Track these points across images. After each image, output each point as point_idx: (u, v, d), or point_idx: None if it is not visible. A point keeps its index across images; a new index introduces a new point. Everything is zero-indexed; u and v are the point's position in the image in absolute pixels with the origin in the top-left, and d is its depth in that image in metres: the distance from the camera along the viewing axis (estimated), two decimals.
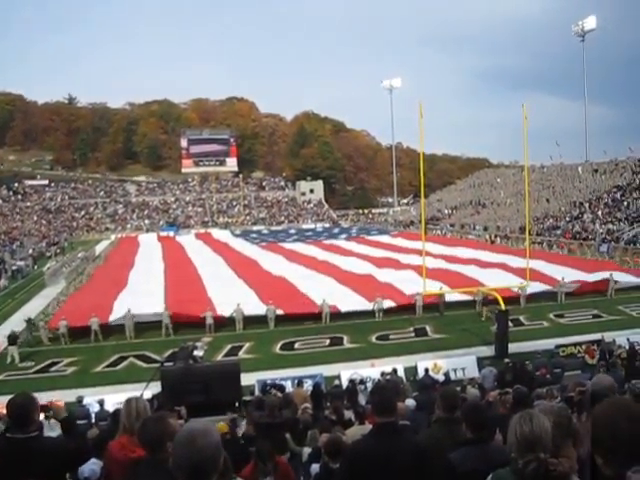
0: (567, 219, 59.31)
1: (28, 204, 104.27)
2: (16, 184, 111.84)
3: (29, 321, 26.85)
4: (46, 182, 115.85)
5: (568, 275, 34.93)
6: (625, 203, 57.10)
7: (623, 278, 35.30)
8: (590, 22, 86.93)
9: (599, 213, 57.35)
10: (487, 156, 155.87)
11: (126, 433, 4.52)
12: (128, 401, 4.72)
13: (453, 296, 31.80)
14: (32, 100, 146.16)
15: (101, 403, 18.11)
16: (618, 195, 60.06)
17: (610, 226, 52.27)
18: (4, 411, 14.87)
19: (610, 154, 73.95)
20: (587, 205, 61.04)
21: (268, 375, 22.19)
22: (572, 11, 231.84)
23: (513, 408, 7.85)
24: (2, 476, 3.91)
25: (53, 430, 14.93)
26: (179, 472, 2.80)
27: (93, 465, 4.64)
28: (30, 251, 66.34)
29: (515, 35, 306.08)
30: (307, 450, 9.07)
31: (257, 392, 19.96)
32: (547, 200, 68.34)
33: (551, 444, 3.42)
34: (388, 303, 31.37)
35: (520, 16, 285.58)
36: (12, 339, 26.28)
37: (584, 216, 58.26)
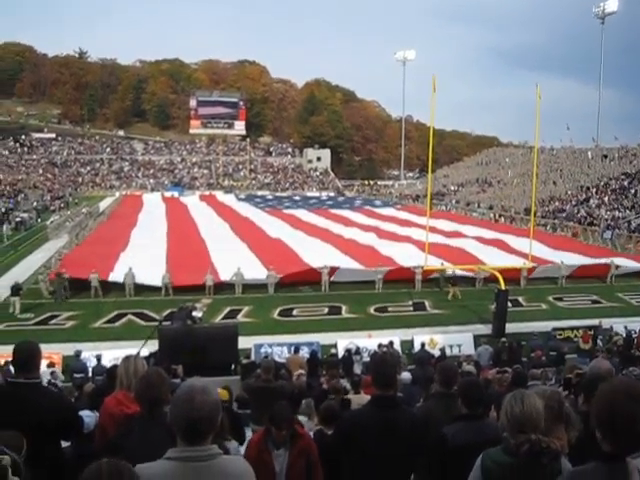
0: (573, 203, 59.05)
1: (34, 157, 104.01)
2: (23, 136, 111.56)
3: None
4: (53, 136, 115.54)
5: (568, 259, 34.90)
6: (632, 191, 56.75)
7: (624, 263, 35.21)
8: (611, 5, 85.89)
9: (605, 199, 57.06)
10: (497, 135, 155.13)
11: (123, 389, 4.56)
12: (127, 358, 4.77)
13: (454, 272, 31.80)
14: (42, 52, 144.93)
15: (98, 358, 18.28)
16: (626, 182, 59.69)
17: (616, 213, 52.05)
18: (2, 360, 14.92)
19: (621, 140, 73.50)
20: (594, 190, 60.72)
21: (265, 340, 22.32)
22: None
23: (510, 388, 7.89)
24: (1, 419, 3.95)
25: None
26: (177, 428, 2.83)
27: (87, 418, 4.66)
28: (34, 204, 66.34)
29: (534, 13, 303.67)
30: (302, 418, 9.13)
31: (253, 356, 20.11)
32: (554, 183, 67.98)
33: (542, 424, 3.45)
34: (385, 269, 31.51)
35: None
36: (15, 290, 26.43)
37: (590, 201, 58.00)
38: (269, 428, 5.19)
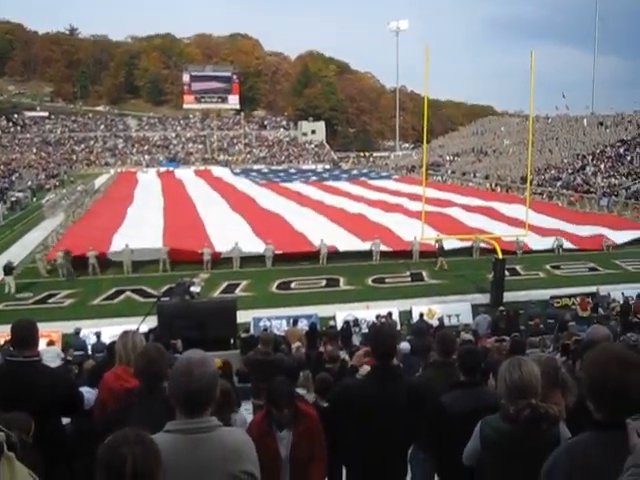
0: (569, 171, 58.95)
1: (27, 136, 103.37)
2: (16, 115, 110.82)
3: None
4: (46, 114, 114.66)
5: (563, 227, 35.02)
6: (629, 157, 56.64)
7: (617, 238, 34.77)
8: None
9: (602, 166, 56.96)
10: (492, 104, 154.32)
11: (122, 364, 4.57)
12: (124, 334, 4.76)
13: (450, 243, 31.78)
14: (32, 30, 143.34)
15: (98, 335, 18.31)
16: (622, 149, 59.55)
17: (612, 180, 52.00)
18: (1, 340, 14.96)
19: (616, 107, 73.26)
20: (590, 158, 60.59)
21: (264, 313, 22.42)
22: None
23: (509, 356, 7.92)
24: (1, 398, 3.96)
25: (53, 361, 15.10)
26: (175, 400, 2.83)
27: (87, 394, 4.68)
28: (29, 183, 66.07)
29: None
30: (301, 391, 9.17)
31: (252, 330, 20.16)
32: (550, 151, 67.82)
33: (540, 390, 3.46)
34: (385, 247, 31.51)
35: None
36: (8, 269, 26.41)
37: (586, 169, 57.90)
38: (269, 408, 4.61)
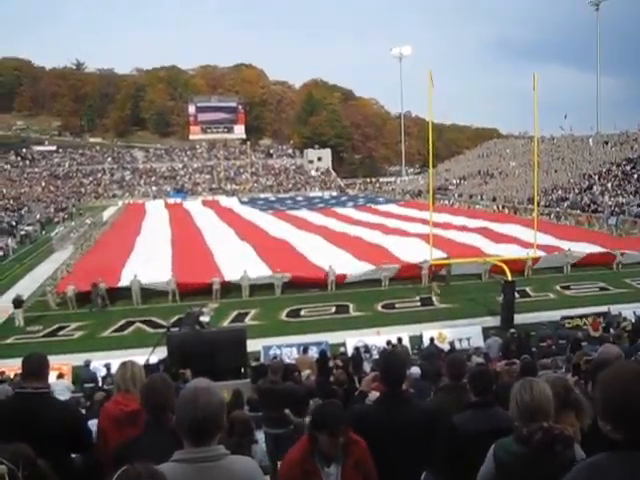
0: (576, 191, 58.91)
1: (36, 170, 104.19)
2: (24, 150, 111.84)
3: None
4: (54, 148, 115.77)
5: (573, 247, 34.86)
6: (635, 176, 56.60)
7: (630, 252, 34.79)
8: None
9: (608, 185, 56.92)
10: (496, 126, 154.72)
11: (120, 392, 4.64)
12: (123, 364, 4.82)
13: (460, 268, 31.70)
14: (40, 65, 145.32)
15: (108, 367, 18.22)
16: (628, 168, 59.52)
17: (619, 199, 51.92)
18: (12, 373, 14.92)
19: (621, 126, 73.40)
20: (596, 177, 60.57)
21: (274, 341, 22.30)
22: None
23: (519, 378, 7.85)
24: (8, 430, 3.94)
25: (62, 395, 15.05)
26: (181, 429, 2.81)
27: (94, 427, 4.68)
28: (38, 216, 66.46)
29: (528, 4, 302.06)
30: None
31: (263, 358, 20.07)
32: (556, 171, 67.85)
33: (552, 411, 3.41)
34: (394, 269, 31.45)
35: None
36: (17, 303, 26.52)
37: (593, 188, 57.86)
38: (314, 436, 3.83)
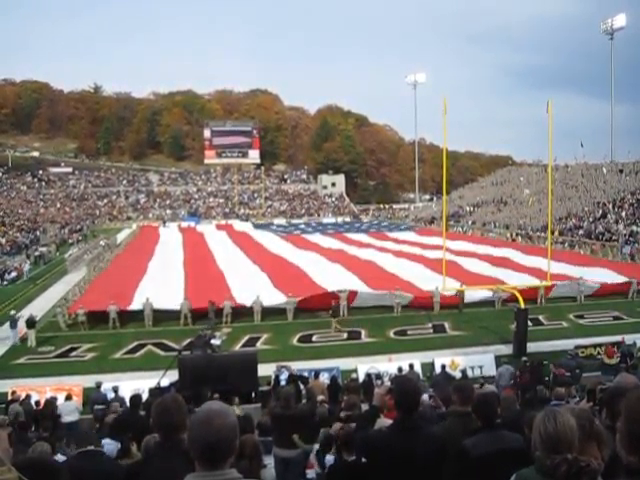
0: (590, 219, 58.68)
1: (52, 191, 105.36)
2: (40, 171, 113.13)
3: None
4: (70, 170, 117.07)
5: (589, 275, 34.67)
6: None
7: None
8: (620, 20, 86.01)
9: (623, 214, 56.68)
10: (511, 154, 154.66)
11: None
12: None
13: (472, 295, 31.56)
14: (58, 88, 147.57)
15: (115, 390, 18.16)
16: None
17: (634, 227, 51.67)
18: (23, 393, 14.91)
19: (635, 154, 73.14)
20: (611, 206, 60.35)
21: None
22: (602, 9, 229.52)
23: (523, 407, 7.78)
24: None
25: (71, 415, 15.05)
26: (195, 452, 2.78)
27: (109, 445, 4.68)
28: (52, 237, 66.88)
29: (542, 32, 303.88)
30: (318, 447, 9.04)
31: (273, 379, 19.89)
32: (569, 199, 67.65)
33: (576, 443, 3.36)
34: (407, 298, 31.36)
35: (548, 13, 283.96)
36: (30, 323, 26.63)
37: (608, 217, 57.62)
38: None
